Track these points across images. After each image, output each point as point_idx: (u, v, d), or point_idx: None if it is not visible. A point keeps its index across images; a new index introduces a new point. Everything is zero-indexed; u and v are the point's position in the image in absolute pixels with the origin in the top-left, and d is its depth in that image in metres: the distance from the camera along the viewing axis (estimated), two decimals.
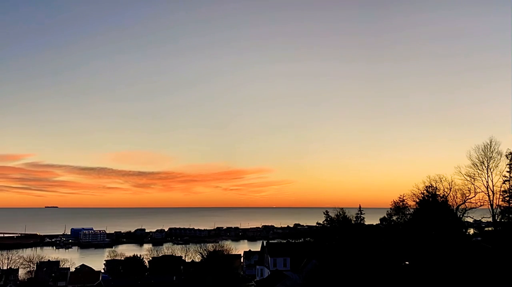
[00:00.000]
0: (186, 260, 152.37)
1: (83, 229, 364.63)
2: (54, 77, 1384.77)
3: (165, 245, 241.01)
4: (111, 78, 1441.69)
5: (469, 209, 76.99)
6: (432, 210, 76.50)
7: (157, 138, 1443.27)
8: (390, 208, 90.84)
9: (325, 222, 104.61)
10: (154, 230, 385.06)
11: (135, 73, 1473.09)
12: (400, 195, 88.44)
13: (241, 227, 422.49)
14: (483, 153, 74.45)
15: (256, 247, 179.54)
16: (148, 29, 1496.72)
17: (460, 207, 77.44)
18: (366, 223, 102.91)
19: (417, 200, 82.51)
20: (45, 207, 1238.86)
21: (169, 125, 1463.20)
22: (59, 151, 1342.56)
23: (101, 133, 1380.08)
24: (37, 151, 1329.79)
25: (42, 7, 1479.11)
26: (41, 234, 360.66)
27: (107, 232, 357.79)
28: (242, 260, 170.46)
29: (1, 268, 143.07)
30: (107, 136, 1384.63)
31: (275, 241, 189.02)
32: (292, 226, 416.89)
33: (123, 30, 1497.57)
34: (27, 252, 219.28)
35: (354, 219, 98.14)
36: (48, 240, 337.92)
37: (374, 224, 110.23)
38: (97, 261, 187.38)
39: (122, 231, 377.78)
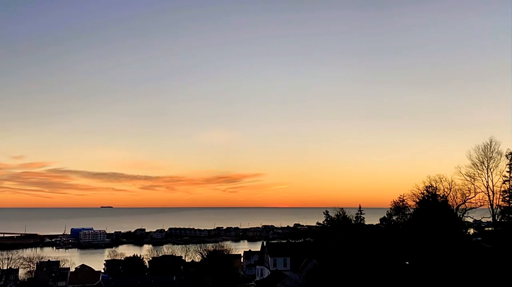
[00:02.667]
0: (186, 260, 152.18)
1: (83, 229, 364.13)
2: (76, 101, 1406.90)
3: (165, 245, 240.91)
4: (121, 90, 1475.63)
5: (469, 209, 76.91)
6: (432, 210, 76.45)
7: (162, 148, 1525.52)
8: (390, 208, 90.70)
9: (325, 222, 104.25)
10: (154, 230, 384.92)
11: (139, 84, 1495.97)
12: (400, 195, 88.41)
13: (241, 227, 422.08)
14: (483, 153, 74.47)
15: (256, 247, 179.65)
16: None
17: (460, 207, 77.39)
18: (366, 223, 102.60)
19: (417, 200, 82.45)
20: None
21: (172, 135, 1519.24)
22: (78, 158, 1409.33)
23: (115, 143, 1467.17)
24: (59, 159, 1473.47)
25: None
26: (41, 234, 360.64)
27: (107, 232, 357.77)
28: (242, 260, 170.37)
29: (1, 268, 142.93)
30: (120, 146, 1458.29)
31: (275, 241, 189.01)
32: (292, 226, 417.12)
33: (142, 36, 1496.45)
34: (27, 252, 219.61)
35: (354, 219, 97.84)
36: (48, 240, 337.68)
37: (374, 224, 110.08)
38: (97, 261, 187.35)
39: (122, 231, 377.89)
